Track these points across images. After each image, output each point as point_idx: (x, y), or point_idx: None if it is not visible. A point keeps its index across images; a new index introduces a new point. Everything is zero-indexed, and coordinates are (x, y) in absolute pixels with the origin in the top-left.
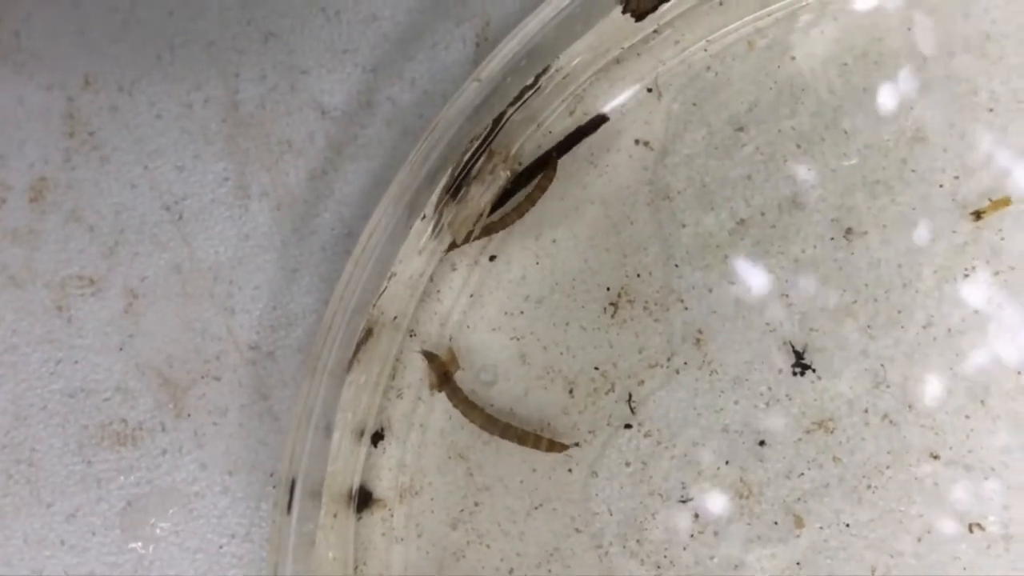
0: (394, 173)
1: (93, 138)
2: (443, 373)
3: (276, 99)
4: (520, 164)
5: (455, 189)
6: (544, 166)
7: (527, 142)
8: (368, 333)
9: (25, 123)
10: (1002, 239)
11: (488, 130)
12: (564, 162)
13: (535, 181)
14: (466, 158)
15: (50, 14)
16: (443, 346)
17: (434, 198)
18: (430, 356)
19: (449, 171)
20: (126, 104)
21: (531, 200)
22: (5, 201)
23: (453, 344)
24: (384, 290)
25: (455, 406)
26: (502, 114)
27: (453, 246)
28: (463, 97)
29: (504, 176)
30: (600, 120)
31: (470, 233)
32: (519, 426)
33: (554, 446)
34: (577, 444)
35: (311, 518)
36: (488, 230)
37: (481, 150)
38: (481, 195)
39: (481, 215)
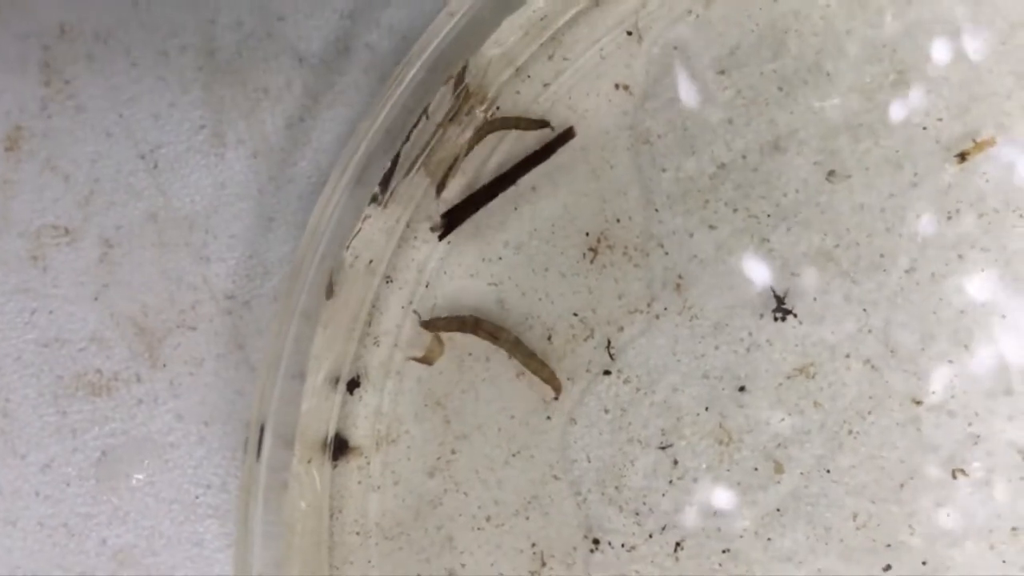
0: None
1: (69, 87)
2: (448, 322)
3: (253, 46)
4: (497, 108)
5: (432, 131)
6: (511, 180)
7: (505, 85)
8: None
9: (0, 73)
10: (987, 181)
11: (462, 69)
12: (544, 109)
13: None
14: (440, 97)
15: None
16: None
17: (409, 139)
18: (427, 323)
19: (422, 110)
20: (102, 53)
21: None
22: None
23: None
24: (358, 232)
25: (484, 336)
26: (478, 54)
27: (440, 190)
28: (434, 31)
29: (480, 117)
30: (567, 135)
31: (447, 174)
32: (538, 357)
33: (553, 380)
34: (556, 397)
35: (283, 466)
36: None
37: (457, 89)
38: (458, 136)
39: (457, 157)
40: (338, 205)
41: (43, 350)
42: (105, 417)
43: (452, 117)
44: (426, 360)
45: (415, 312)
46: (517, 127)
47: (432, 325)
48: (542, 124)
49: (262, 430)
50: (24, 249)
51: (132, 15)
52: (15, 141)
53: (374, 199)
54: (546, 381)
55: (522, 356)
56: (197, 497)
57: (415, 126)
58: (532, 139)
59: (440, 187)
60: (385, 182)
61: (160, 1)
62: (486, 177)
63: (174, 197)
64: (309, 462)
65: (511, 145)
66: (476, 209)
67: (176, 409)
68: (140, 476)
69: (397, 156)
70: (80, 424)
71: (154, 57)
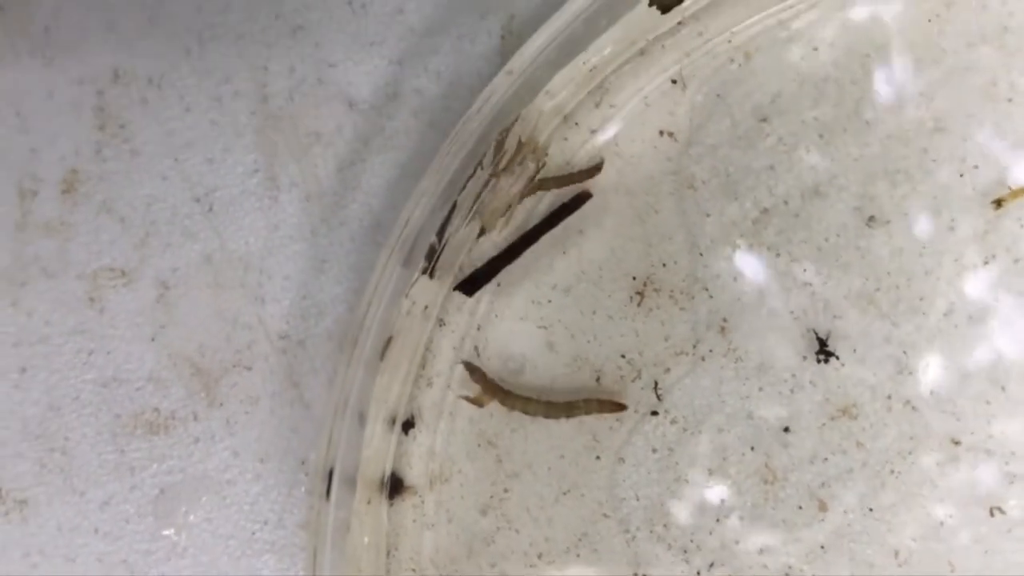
0: (421, 164)
1: (124, 131)
2: (486, 380)
3: (304, 92)
4: (547, 155)
5: (485, 181)
6: (530, 242)
7: (555, 134)
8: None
9: (56, 117)
10: (1022, 226)
11: (514, 122)
12: (590, 155)
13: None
14: (496, 150)
15: (79, 9)
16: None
17: (464, 190)
18: (472, 367)
19: (478, 163)
20: (156, 98)
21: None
22: (37, 193)
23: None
24: (416, 280)
25: (512, 408)
26: (531, 106)
27: (482, 233)
28: (493, 89)
29: (532, 168)
30: (582, 198)
31: (501, 223)
32: (577, 400)
33: (614, 407)
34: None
35: (346, 505)
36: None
37: (509, 141)
38: (511, 186)
39: (510, 206)
40: (398, 258)
41: (101, 390)
42: (163, 455)
43: (505, 168)
44: (477, 402)
45: (474, 356)
46: (571, 183)
47: (474, 371)
48: (591, 173)
49: (330, 473)
50: (81, 290)
51: (185, 61)
52: (71, 184)
53: (431, 251)
54: (608, 411)
55: (556, 412)
56: (254, 533)
57: (469, 178)
58: (590, 120)
59: (480, 233)
60: (441, 233)
61: (213, 48)
62: (534, 222)
63: (229, 239)
64: (369, 502)
65: (560, 192)
66: (496, 272)
67: (233, 447)
68: (198, 513)
69: (453, 207)
70: (138, 462)
71: (208, 102)
